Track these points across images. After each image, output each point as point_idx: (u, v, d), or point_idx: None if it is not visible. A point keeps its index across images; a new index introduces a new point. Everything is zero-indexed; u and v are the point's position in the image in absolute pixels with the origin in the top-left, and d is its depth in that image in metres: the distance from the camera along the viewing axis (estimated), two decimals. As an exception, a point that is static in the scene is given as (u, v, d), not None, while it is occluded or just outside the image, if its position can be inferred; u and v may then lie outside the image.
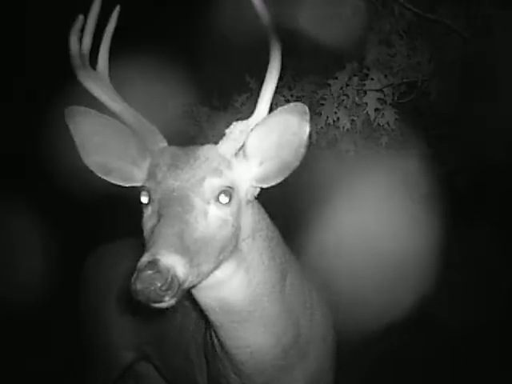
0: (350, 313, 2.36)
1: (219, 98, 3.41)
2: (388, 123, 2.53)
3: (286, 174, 1.50)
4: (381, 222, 3.14)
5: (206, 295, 1.58)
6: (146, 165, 1.56)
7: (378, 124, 2.59)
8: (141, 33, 4.61)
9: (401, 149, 2.97)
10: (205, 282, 1.48)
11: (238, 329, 1.62)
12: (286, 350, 1.69)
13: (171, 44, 4.52)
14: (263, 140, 1.53)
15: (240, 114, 3.27)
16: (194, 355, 2.12)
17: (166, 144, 1.59)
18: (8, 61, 4.73)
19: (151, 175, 1.50)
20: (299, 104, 1.50)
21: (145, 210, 1.50)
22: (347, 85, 2.67)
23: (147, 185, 1.49)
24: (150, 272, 1.25)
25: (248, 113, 3.22)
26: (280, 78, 3.19)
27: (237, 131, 1.55)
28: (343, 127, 2.78)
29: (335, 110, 2.81)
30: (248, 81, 3.24)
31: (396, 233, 3.06)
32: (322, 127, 2.82)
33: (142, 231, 1.50)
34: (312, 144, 3.01)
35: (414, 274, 3.20)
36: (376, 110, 2.49)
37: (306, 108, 1.48)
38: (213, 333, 1.77)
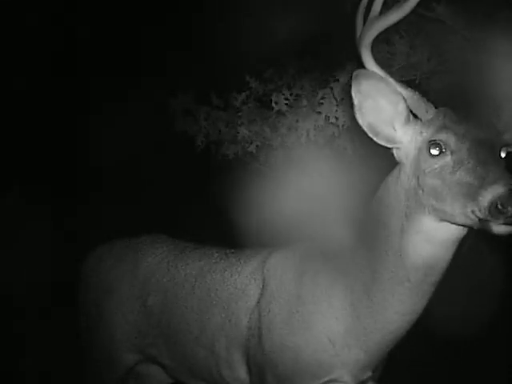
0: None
1: (218, 96, 3.41)
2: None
3: None
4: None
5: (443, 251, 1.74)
6: (408, 129, 1.73)
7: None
8: (140, 32, 4.63)
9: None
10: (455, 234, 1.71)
11: (421, 292, 1.77)
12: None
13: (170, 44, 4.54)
14: None
15: (240, 113, 3.27)
16: (222, 349, 2.15)
17: (434, 108, 1.75)
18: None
19: (444, 130, 1.67)
20: None
21: (435, 161, 1.66)
22: (349, 85, 2.68)
23: (441, 137, 1.65)
24: None
25: (248, 112, 3.25)
26: (280, 77, 3.22)
27: None
28: (342, 125, 2.80)
29: (335, 108, 2.82)
30: (248, 80, 3.24)
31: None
32: (321, 125, 2.83)
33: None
34: (310, 141, 3.02)
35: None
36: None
37: None
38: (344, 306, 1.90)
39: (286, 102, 3.03)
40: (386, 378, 2.16)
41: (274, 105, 3.05)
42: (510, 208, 1.46)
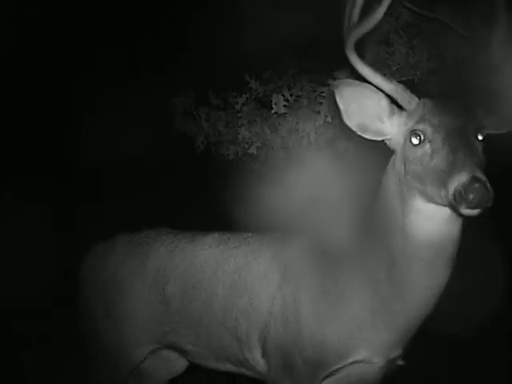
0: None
1: (218, 96, 3.40)
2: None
3: None
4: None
5: (447, 227, 1.85)
6: (394, 120, 1.89)
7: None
8: (139, 31, 4.63)
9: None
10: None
11: (439, 267, 1.87)
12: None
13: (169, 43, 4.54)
14: None
15: (240, 114, 3.27)
16: (243, 333, 2.22)
17: (417, 99, 1.89)
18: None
19: (422, 121, 1.81)
20: None
21: (417, 149, 1.80)
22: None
23: (420, 128, 1.80)
24: (478, 184, 1.59)
25: (248, 113, 3.25)
26: (280, 78, 3.22)
27: None
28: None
29: (334, 108, 2.82)
30: (248, 80, 3.23)
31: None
32: (320, 125, 2.84)
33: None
34: (310, 143, 3.02)
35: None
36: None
37: None
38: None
39: (285, 103, 3.03)
40: (386, 378, 2.17)
41: (273, 106, 3.04)
42: (470, 195, 1.59)
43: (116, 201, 4.72)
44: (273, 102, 3.02)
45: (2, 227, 4.44)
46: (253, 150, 3.25)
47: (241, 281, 2.26)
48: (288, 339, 2.11)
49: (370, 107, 1.88)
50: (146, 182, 4.69)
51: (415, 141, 1.80)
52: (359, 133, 1.90)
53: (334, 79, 2.73)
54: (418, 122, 1.82)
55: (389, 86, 1.88)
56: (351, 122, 1.90)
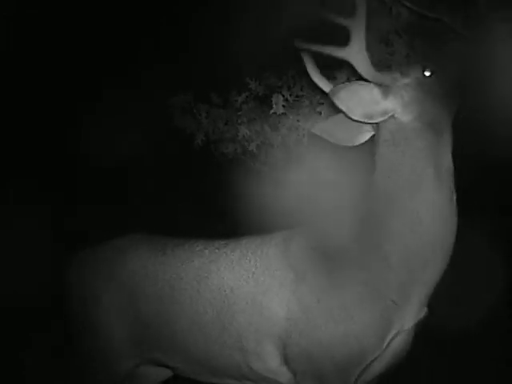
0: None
1: (218, 94, 3.40)
2: (387, 120, 2.53)
3: None
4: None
5: None
6: (391, 97, 2.06)
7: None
8: (139, 31, 4.64)
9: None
10: None
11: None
12: None
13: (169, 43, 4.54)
14: None
15: (240, 112, 3.26)
16: (250, 344, 2.12)
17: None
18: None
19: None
20: None
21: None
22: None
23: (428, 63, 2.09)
24: None
25: (248, 111, 3.25)
26: (279, 78, 3.23)
27: None
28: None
29: (335, 109, 2.82)
30: (247, 81, 3.23)
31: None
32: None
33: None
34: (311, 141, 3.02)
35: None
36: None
37: None
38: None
39: (284, 103, 3.03)
40: (385, 376, 2.17)
41: (274, 105, 3.04)
42: None
43: (116, 201, 4.72)
44: (273, 102, 3.02)
45: (1, 227, 4.44)
46: (252, 148, 3.24)
47: (235, 296, 2.15)
48: (315, 344, 2.02)
49: (366, 98, 2.04)
50: (146, 182, 4.69)
51: (428, 72, 2.05)
52: (368, 121, 2.07)
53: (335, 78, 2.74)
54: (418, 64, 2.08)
55: (379, 78, 2.07)
56: (356, 115, 2.05)
